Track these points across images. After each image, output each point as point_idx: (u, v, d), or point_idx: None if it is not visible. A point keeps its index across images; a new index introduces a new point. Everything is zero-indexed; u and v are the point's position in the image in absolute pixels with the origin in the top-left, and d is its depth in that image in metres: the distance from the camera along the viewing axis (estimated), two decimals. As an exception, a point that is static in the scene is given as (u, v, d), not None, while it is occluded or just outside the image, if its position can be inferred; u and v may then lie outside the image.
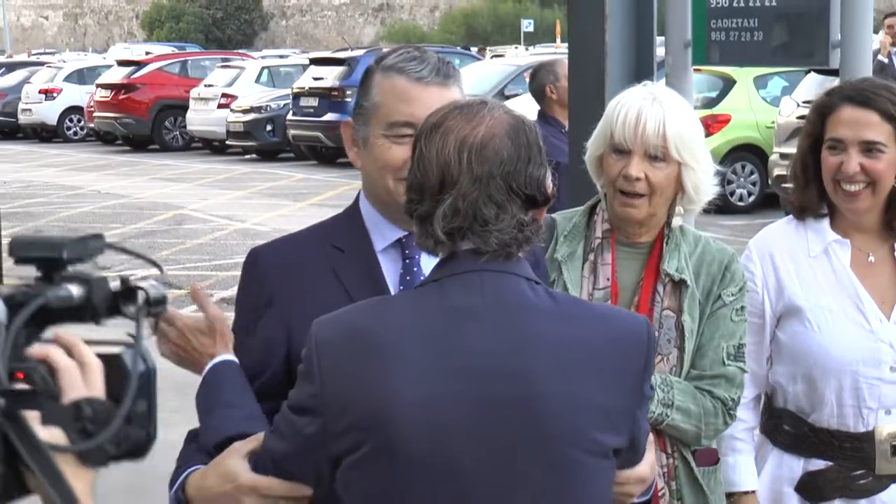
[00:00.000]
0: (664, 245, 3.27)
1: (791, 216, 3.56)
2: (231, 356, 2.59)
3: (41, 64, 36.10)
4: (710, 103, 17.15)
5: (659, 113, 3.18)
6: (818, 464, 3.44)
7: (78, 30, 69.75)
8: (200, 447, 2.55)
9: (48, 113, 31.16)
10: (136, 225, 16.87)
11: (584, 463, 2.28)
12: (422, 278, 2.56)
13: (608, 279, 3.28)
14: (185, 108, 27.74)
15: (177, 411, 8.00)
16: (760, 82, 17.44)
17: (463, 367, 2.24)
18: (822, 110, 3.45)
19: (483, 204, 2.24)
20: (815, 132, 3.45)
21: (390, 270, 2.67)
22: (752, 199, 16.73)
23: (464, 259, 2.28)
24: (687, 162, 3.20)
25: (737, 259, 3.37)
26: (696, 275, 3.26)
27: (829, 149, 3.40)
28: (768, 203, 16.24)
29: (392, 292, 2.64)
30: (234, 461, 2.40)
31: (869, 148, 3.35)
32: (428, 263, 2.60)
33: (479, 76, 23.53)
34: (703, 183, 3.25)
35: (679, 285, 3.25)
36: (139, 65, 30.12)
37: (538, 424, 2.25)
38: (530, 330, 2.27)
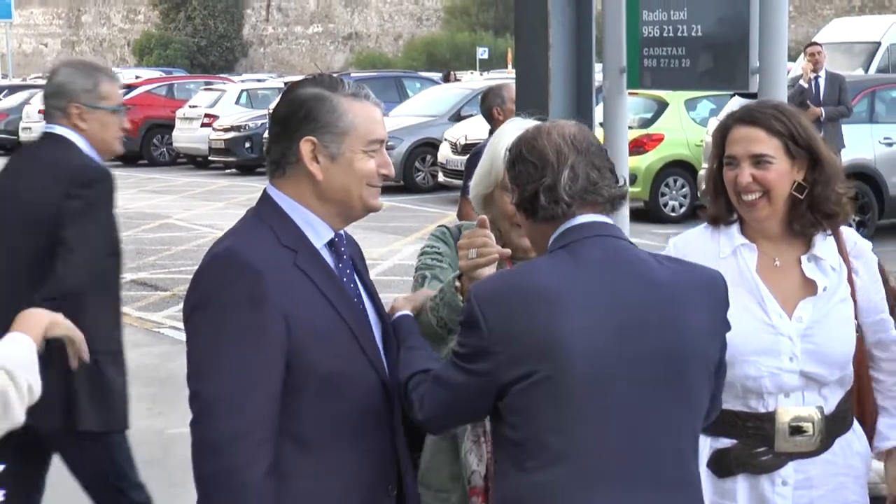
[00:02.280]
0: None
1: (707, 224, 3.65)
2: (408, 312, 2.94)
3: (40, 87, 35.88)
4: (646, 123, 17.24)
5: None
6: (725, 442, 3.49)
7: (75, 56, 69.31)
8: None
9: (47, 131, 30.93)
10: (127, 233, 16.69)
11: (700, 373, 2.71)
12: (349, 271, 2.80)
13: None
14: (171, 126, 27.66)
15: (161, 402, 7.88)
16: (690, 105, 17.54)
17: (606, 304, 2.62)
18: (723, 132, 3.58)
19: (590, 169, 2.72)
20: (718, 152, 3.58)
21: (331, 265, 2.77)
22: (682, 209, 16.81)
23: (582, 229, 2.70)
24: None
25: None
26: None
27: (727, 165, 3.52)
28: (692, 216, 16.30)
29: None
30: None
31: (758, 160, 3.45)
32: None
33: (437, 98, 23.54)
34: None
35: None
36: (130, 87, 29.91)
37: (667, 343, 2.64)
38: (647, 275, 2.68)
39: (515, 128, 3.19)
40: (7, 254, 4.63)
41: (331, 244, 2.79)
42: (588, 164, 2.71)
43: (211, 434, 2.56)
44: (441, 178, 20.34)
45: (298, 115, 2.73)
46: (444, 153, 20.09)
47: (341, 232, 2.83)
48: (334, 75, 2.85)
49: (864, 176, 14.74)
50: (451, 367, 2.70)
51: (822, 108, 13.86)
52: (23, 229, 4.57)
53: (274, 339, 2.60)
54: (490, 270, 2.89)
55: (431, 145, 20.91)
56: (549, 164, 2.71)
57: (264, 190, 2.82)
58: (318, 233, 2.76)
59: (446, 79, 30.85)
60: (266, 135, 24.33)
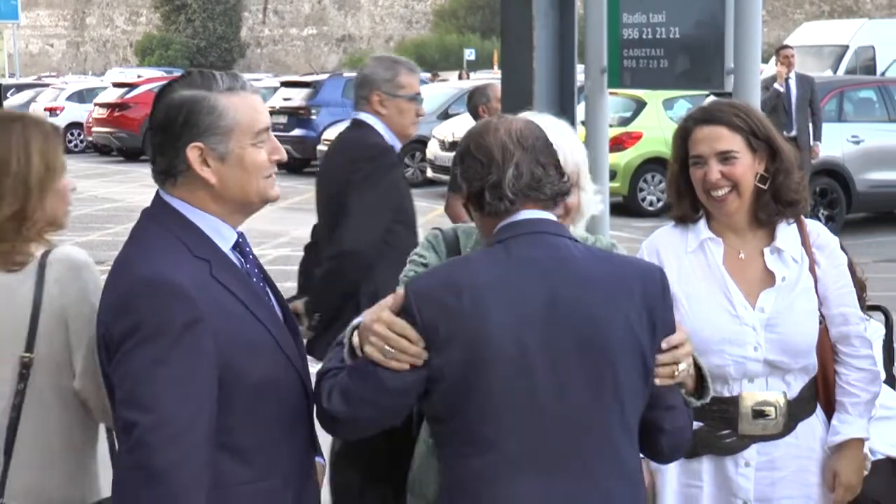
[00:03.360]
0: None
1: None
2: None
3: (46, 85, 35.78)
4: (625, 122, 17.24)
5: (565, 144, 3.06)
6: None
7: (79, 56, 69.12)
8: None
9: (52, 128, 30.85)
10: (128, 225, 16.53)
11: (631, 366, 2.63)
12: (256, 269, 2.71)
13: None
14: (172, 124, 27.55)
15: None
16: (668, 104, 17.53)
17: (534, 299, 2.58)
18: (683, 134, 3.59)
19: (535, 167, 2.67)
20: (680, 155, 3.59)
21: (240, 268, 2.67)
22: (660, 204, 16.78)
23: (520, 226, 2.66)
24: (582, 185, 3.18)
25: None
26: None
27: (694, 164, 3.53)
28: (668, 209, 16.28)
29: None
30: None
31: (725, 157, 3.47)
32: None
33: (426, 97, 23.44)
34: (589, 202, 3.24)
35: None
36: (132, 86, 29.87)
37: (595, 337, 2.59)
38: (579, 270, 2.63)
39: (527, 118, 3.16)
40: (324, 222, 5.13)
41: (236, 245, 2.67)
42: (533, 162, 2.67)
43: (155, 461, 2.39)
44: (430, 173, 20.33)
45: (178, 121, 2.56)
46: (433, 150, 20.10)
47: (241, 232, 2.71)
48: (205, 71, 2.65)
49: (832, 173, 14.78)
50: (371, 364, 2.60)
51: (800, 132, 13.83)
52: (327, 199, 5.04)
53: (210, 359, 2.48)
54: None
55: (420, 142, 20.85)
56: (494, 161, 2.67)
57: (158, 196, 2.65)
58: (224, 236, 2.64)
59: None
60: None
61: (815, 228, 3.65)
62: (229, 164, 2.59)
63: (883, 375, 4.57)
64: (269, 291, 2.75)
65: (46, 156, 3.10)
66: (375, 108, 5.00)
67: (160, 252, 2.56)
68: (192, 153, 2.58)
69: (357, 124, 5.07)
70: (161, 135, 2.61)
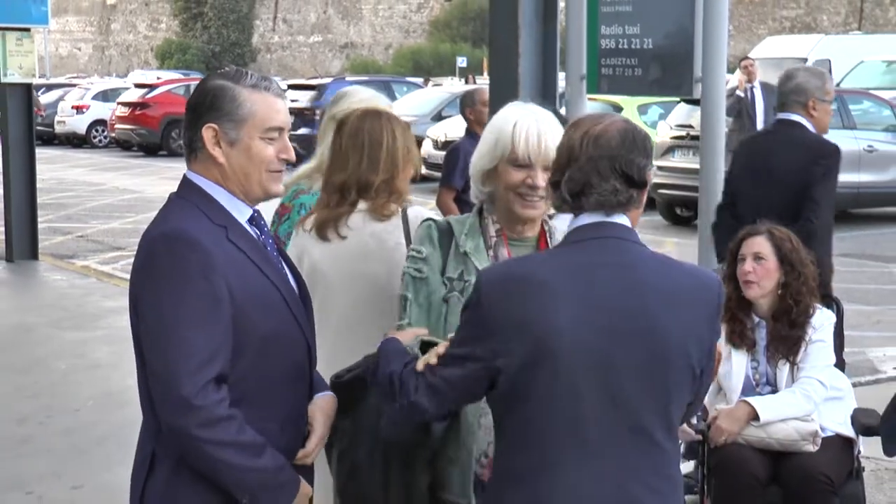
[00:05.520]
0: (548, 237, 3.14)
1: None
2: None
3: (74, 86, 35.63)
4: (603, 125, 17.21)
5: (550, 132, 3.03)
6: None
7: (104, 59, 68.87)
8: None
9: (78, 124, 30.74)
10: (147, 214, 16.60)
11: (680, 377, 2.50)
12: (271, 241, 2.74)
13: None
14: (188, 122, 27.48)
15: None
16: (643, 109, 17.51)
17: (597, 304, 2.45)
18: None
19: (590, 174, 2.50)
20: None
21: (255, 237, 2.71)
22: (634, 200, 16.80)
23: (590, 230, 2.52)
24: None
25: None
26: None
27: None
28: (647, 205, 16.17)
29: None
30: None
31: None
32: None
33: (421, 101, 23.45)
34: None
35: None
36: (152, 87, 29.79)
37: (651, 345, 2.45)
38: (643, 278, 2.49)
39: (514, 106, 3.13)
40: (761, 201, 5.32)
41: (251, 220, 2.72)
42: (592, 169, 2.51)
43: (186, 390, 2.46)
44: (423, 170, 20.20)
45: (204, 103, 2.65)
46: (427, 149, 20.05)
47: (258, 208, 2.76)
48: (240, 68, 2.75)
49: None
50: (447, 356, 2.57)
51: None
52: (776, 185, 5.36)
53: (224, 305, 2.52)
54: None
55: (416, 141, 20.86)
56: (561, 161, 2.56)
57: (184, 176, 2.73)
58: (240, 210, 2.68)
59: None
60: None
61: None
62: (237, 150, 2.64)
63: (834, 359, 4.58)
64: (283, 262, 2.79)
65: (407, 140, 3.66)
66: (809, 111, 5.45)
67: (179, 215, 2.63)
68: (207, 132, 2.64)
69: (788, 123, 5.48)
70: (190, 113, 2.69)
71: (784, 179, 5.37)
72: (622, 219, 2.55)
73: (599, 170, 2.51)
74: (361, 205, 3.57)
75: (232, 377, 2.55)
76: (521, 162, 3.03)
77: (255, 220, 2.73)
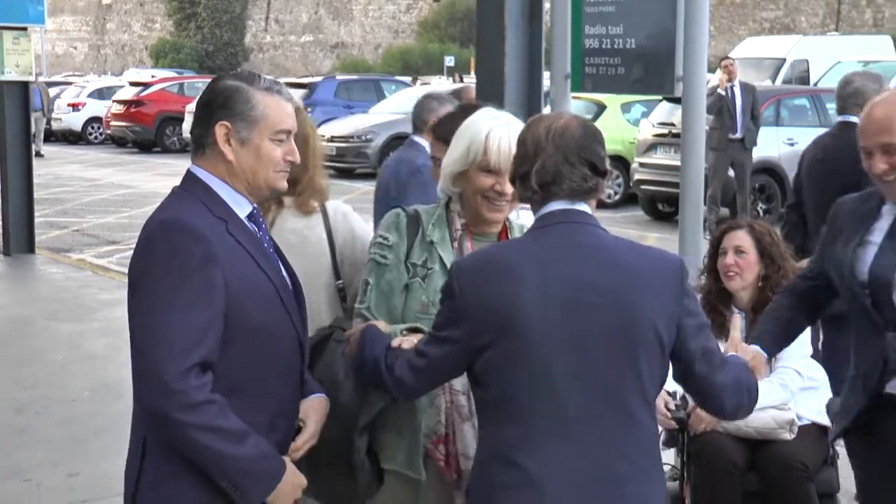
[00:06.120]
0: (509, 233, 3.18)
1: None
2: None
3: (70, 84, 35.52)
4: (587, 123, 17.23)
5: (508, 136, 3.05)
6: None
7: (100, 57, 68.64)
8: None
9: (75, 121, 30.65)
10: (142, 209, 16.63)
11: (649, 351, 2.56)
12: (268, 238, 2.78)
13: None
14: (181, 119, 27.31)
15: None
16: (626, 108, 17.54)
17: (562, 282, 2.53)
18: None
19: (560, 164, 2.60)
20: None
21: (253, 233, 2.73)
22: (617, 196, 16.84)
23: (557, 215, 2.61)
24: None
25: None
26: None
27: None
28: (629, 200, 16.34)
29: None
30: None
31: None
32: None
33: (409, 98, 23.45)
34: None
35: None
36: (147, 85, 29.71)
37: (618, 321, 2.53)
38: (606, 258, 2.58)
39: (488, 114, 3.15)
40: (823, 200, 5.16)
41: (250, 216, 2.73)
42: (561, 159, 2.61)
43: (166, 374, 2.45)
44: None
45: (217, 102, 2.67)
46: (415, 146, 20.05)
47: (256, 206, 2.77)
48: (253, 71, 2.80)
49: (770, 171, 14.86)
50: (428, 338, 2.69)
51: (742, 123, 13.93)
52: (836, 184, 5.12)
53: (220, 293, 2.53)
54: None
55: (404, 138, 20.85)
56: (528, 154, 2.64)
57: (188, 170, 2.74)
58: (241, 205, 2.70)
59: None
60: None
61: None
62: (247, 149, 2.67)
63: (810, 350, 4.61)
64: (278, 259, 2.80)
65: (319, 137, 3.67)
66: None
67: (180, 205, 2.65)
68: (219, 130, 2.66)
69: (851, 126, 5.44)
70: (201, 109, 2.70)
71: (843, 178, 5.36)
72: (585, 206, 2.66)
73: (569, 159, 2.61)
74: (287, 201, 3.53)
75: (223, 367, 2.55)
76: (491, 168, 3.07)
77: (254, 216, 2.75)
